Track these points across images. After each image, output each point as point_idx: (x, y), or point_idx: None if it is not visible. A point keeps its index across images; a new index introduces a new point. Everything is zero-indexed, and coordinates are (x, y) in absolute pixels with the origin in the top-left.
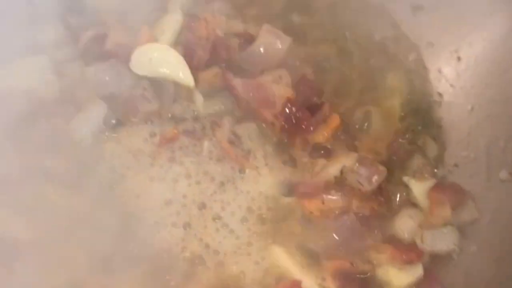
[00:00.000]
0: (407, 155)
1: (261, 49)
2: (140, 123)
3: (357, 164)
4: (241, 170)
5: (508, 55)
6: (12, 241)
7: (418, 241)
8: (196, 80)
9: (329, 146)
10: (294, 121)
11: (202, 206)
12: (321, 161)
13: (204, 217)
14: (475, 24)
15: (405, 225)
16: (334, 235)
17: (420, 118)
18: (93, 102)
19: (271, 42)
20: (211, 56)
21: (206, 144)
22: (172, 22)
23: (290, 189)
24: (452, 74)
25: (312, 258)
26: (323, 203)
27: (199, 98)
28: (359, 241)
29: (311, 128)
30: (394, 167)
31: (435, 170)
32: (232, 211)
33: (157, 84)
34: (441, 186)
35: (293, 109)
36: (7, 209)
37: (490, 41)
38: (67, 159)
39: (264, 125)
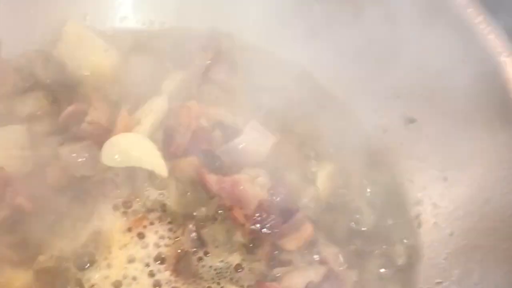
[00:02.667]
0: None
1: (244, 146)
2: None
3: (322, 280)
4: None
5: (492, 185)
6: None
7: None
8: (172, 167)
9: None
10: (265, 226)
11: None
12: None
13: None
14: (466, 147)
15: None
16: None
17: (400, 234)
18: None
19: (255, 140)
20: (190, 145)
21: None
22: (157, 106)
23: None
24: (436, 193)
25: None
26: None
27: (172, 189)
28: None
29: (282, 235)
30: None
31: None
32: None
33: (130, 170)
34: None
35: (265, 213)
36: None
37: (478, 168)
38: None
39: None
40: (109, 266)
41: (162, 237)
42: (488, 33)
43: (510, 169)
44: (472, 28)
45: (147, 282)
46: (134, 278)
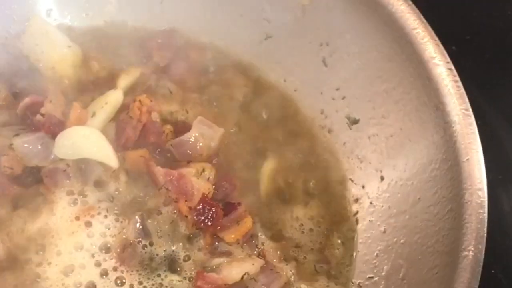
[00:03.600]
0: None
1: (193, 140)
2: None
3: (259, 271)
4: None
5: (423, 184)
6: None
7: None
8: (123, 158)
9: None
10: (206, 218)
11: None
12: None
13: None
14: (402, 147)
15: None
16: None
17: (338, 231)
18: None
19: (203, 134)
20: (141, 138)
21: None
22: (111, 99)
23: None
24: (373, 192)
25: None
26: None
27: (122, 179)
28: None
29: (222, 227)
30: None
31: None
32: None
33: (82, 161)
34: None
35: (207, 206)
36: None
37: (411, 168)
38: None
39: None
40: (58, 253)
41: (108, 227)
42: (423, 38)
43: (440, 169)
44: (408, 34)
45: (94, 270)
46: (82, 266)
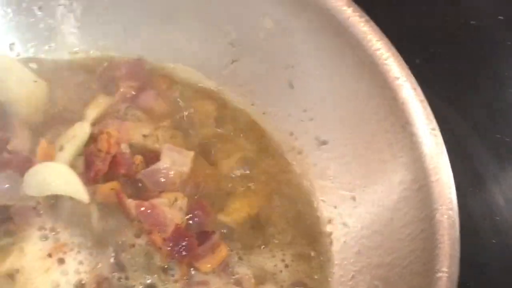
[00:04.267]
0: None
1: (164, 168)
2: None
3: None
4: None
5: (394, 204)
6: None
7: None
8: (93, 192)
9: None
10: (180, 249)
11: None
12: None
13: None
14: (372, 168)
15: None
16: None
17: (315, 253)
18: None
19: (174, 161)
20: (110, 170)
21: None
22: (79, 132)
23: None
24: (346, 213)
25: None
26: None
27: (94, 214)
28: None
29: (198, 257)
30: None
31: None
32: None
33: (52, 198)
34: None
35: (181, 236)
36: None
37: (381, 188)
38: None
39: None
40: None
41: (81, 263)
42: (386, 58)
43: (410, 189)
44: (372, 55)
45: None
46: None
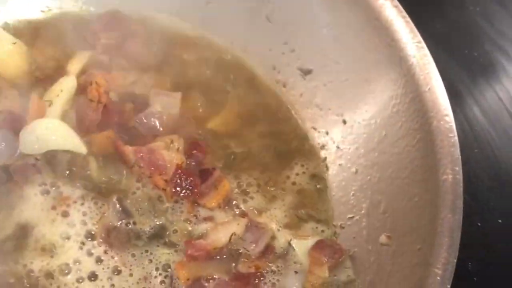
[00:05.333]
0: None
1: (155, 113)
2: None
3: (244, 230)
4: None
5: (386, 120)
6: None
7: None
8: (89, 143)
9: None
10: (184, 188)
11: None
12: (207, 226)
13: None
14: (359, 89)
15: (289, 285)
16: None
17: (311, 179)
18: None
19: (164, 104)
20: (103, 119)
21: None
22: (66, 86)
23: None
24: (338, 137)
25: None
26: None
27: (92, 165)
28: None
29: (202, 194)
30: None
31: (322, 231)
32: None
33: (50, 153)
34: (320, 245)
35: (183, 175)
36: None
37: (372, 107)
38: None
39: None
40: (43, 250)
41: (86, 214)
42: None
43: (401, 103)
44: None
45: (89, 260)
46: (77, 260)
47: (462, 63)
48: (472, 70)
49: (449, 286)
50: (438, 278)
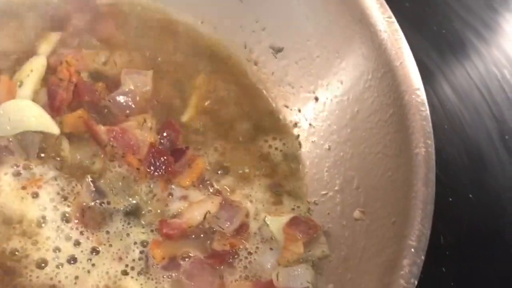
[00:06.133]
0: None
1: (128, 91)
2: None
3: (219, 209)
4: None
5: (358, 96)
6: None
7: (274, 279)
8: (61, 123)
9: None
10: (158, 167)
11: None
12: (182, 205)
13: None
14: (331, 66)
15: (264, 262)
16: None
17: (284, 157)
18: None
19: (135, 83)
20: (75, 99)
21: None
22: (36, 65)
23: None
24: (310, 114)
25: None
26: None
27: (65, 145)
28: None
29: (176, 173)
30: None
31: (298, 207)
32: None
33: (22, 135)
34: (295, 222)
35: (157, 154)
36: None
37: (344, 83)
38: None
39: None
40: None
41: (60, 194)
42: None
43: (373, 78)
44: None
45: (66, 243)
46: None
47: (431, 41)
48: (441, 48)
49: (423, 257)
50: (412, 250)
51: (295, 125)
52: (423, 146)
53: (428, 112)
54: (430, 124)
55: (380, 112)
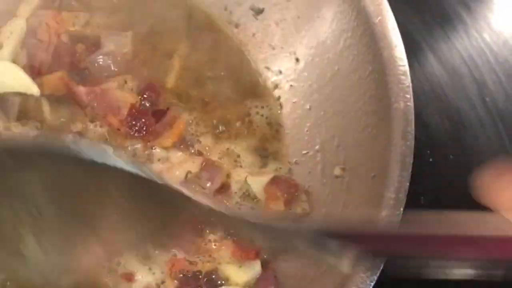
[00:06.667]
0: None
1: (107, 54)
2: None
3: (200, 169)
4: None
5: (339, 55)
6: None
7: None
8: (41, 84)
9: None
10: (139, 127)
11: None
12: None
13: None
14: (311, 26)
15: None
16: None
17: (266, 119)
18: None
19: (115, 44)
20: (54, 61)
21: None
22: (16, 28)
23: None
24: (291, 75)
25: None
26: None
27: (45, 107)
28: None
29: (157, 134)
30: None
31: (280, 168)
32: None
33: (1, 96)
34: (275, 182)
35: (138, 115)
36: None
37: (324, 42)
38: None
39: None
40: None
41: None
42: None
43: (353, 37)
44: None
45: None
46: None
47: (418, 12)
48: (428, 20)
49: (402, 209)
50: (391, 201)
51: (276, 86)
52: (402, 100)
53: (407, 67)
54: (409, 79)
55: (360, 69)
